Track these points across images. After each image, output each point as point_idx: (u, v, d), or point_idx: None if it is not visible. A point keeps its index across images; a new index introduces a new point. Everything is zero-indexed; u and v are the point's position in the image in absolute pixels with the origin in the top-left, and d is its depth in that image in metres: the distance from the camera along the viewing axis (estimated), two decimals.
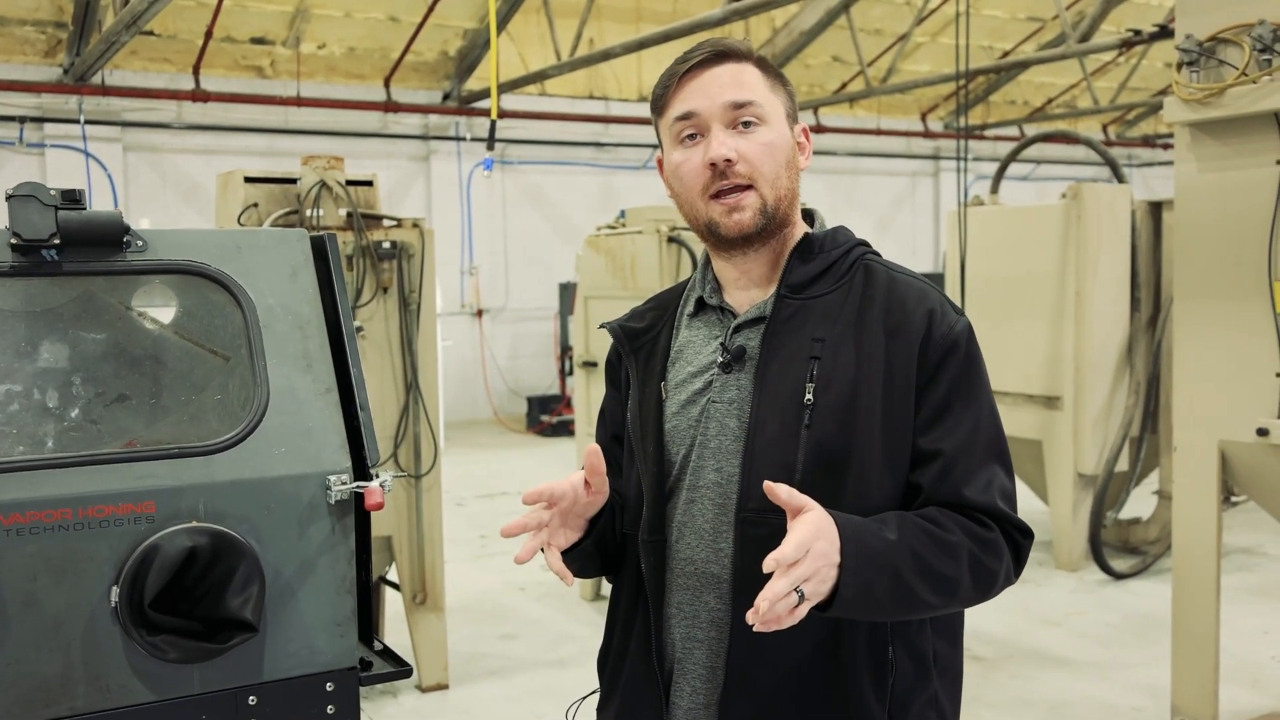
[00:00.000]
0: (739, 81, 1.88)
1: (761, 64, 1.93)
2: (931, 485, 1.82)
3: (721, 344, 1.94)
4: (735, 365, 1.91)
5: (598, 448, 1.87)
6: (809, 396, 1.82)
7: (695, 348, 1.99)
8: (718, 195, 1.87)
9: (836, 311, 1.88)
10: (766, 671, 1.83)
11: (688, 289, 2.09)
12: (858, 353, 1.84)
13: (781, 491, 1.66)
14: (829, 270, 1.93)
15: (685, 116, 1.89)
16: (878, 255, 2.00)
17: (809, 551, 1.60)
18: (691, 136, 1.90)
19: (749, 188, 1.87)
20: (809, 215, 2.05)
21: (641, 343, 2.05)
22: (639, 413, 1.99)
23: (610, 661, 2.05)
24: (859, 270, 1.93)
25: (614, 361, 2.14)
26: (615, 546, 2.03)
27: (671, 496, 1.95)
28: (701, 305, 2.02)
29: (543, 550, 1.88)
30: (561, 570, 1.84)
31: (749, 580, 1.78)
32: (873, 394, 1.82)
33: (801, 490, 1.69)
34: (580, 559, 1.96)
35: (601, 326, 2.15)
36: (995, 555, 1.79)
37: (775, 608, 1.56)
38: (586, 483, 1.88)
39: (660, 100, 1.95)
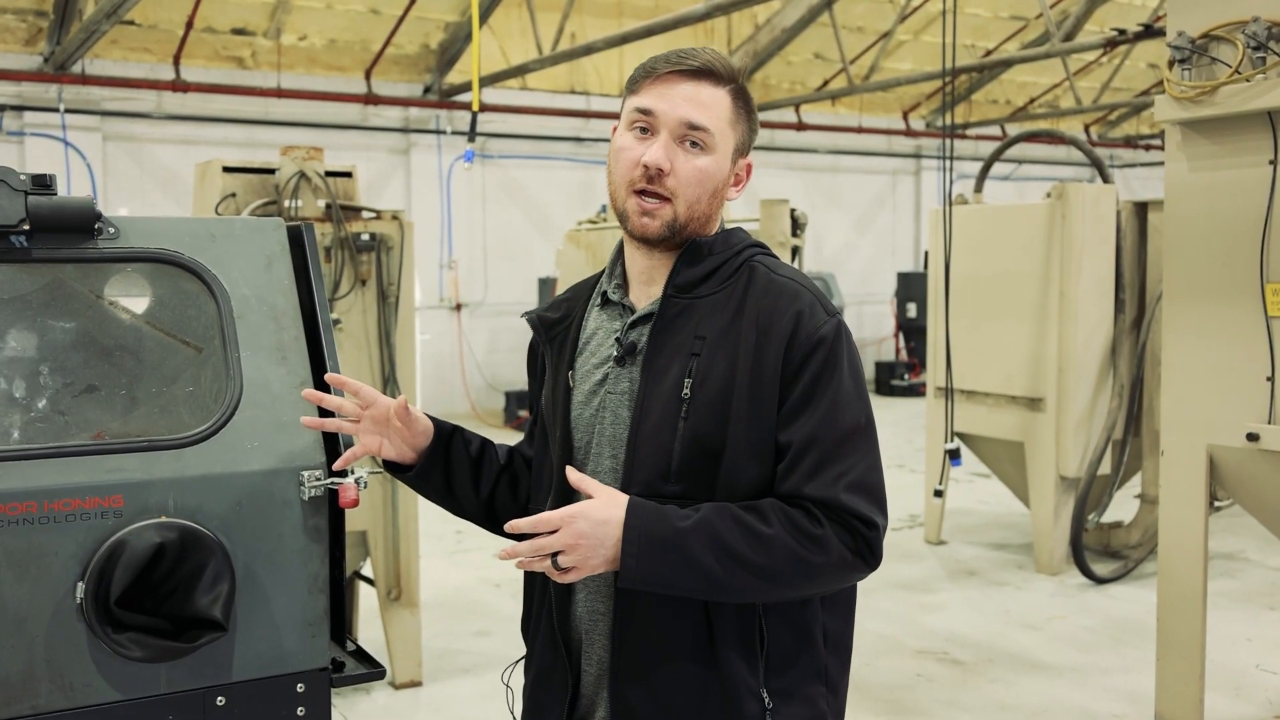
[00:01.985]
0: (705, 105, 1.99)
1: (738, 94, 2.05)
2: (781, 476, 1.94)
3: (617, 339, 2.08)
4: (628, 359, 2.05)
5: (403, 400, 2.15)
6: (686, 391, 1.96)
7: (599, 340, 2.13)
8: (640, 193, 1.99)
9: (719, 310, 2.01)
10: (648, 640, 1.98)
11: (600, 281, 2.21)
12: (732, 350, 1.96)
13: (572, 476, 1.93)
14: (717, 271, 2.04)
15: (645, 111, 2.00)
16: (771, 257, 2.11)
17: (563, 528, 1.84)
18: (644, 130, 2.01)
19: (668, 200, 1.98)
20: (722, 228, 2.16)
21: (555, 332, 2.18)
22: (550, 399, 2.13)
23: (530, 628, 2.22)
24: (745, 271, 2.05)
25: (532, 349, 2.29)
26: (477, 495, 2.26)
27: None
28: (607, 299, 2.15)
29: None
30: (351, 457, 2.16)
31: None
32: (743, 389, 1.94)
33: (677, 477, 1.94)
34: (416, 483, 2.23)
35: (523, 316, 2.29)
36: (819, 549, 1.89)
37: (527, 563, 1.87)
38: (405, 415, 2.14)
39: (636, 83, 2.05)
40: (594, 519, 1.86)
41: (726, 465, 1.93)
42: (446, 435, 2.23)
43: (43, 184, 2.22)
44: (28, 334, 2.21)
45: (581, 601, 2.08)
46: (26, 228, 2.19)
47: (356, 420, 2.15)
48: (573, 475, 1.93)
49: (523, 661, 2.29)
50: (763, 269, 2.05)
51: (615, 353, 2.07)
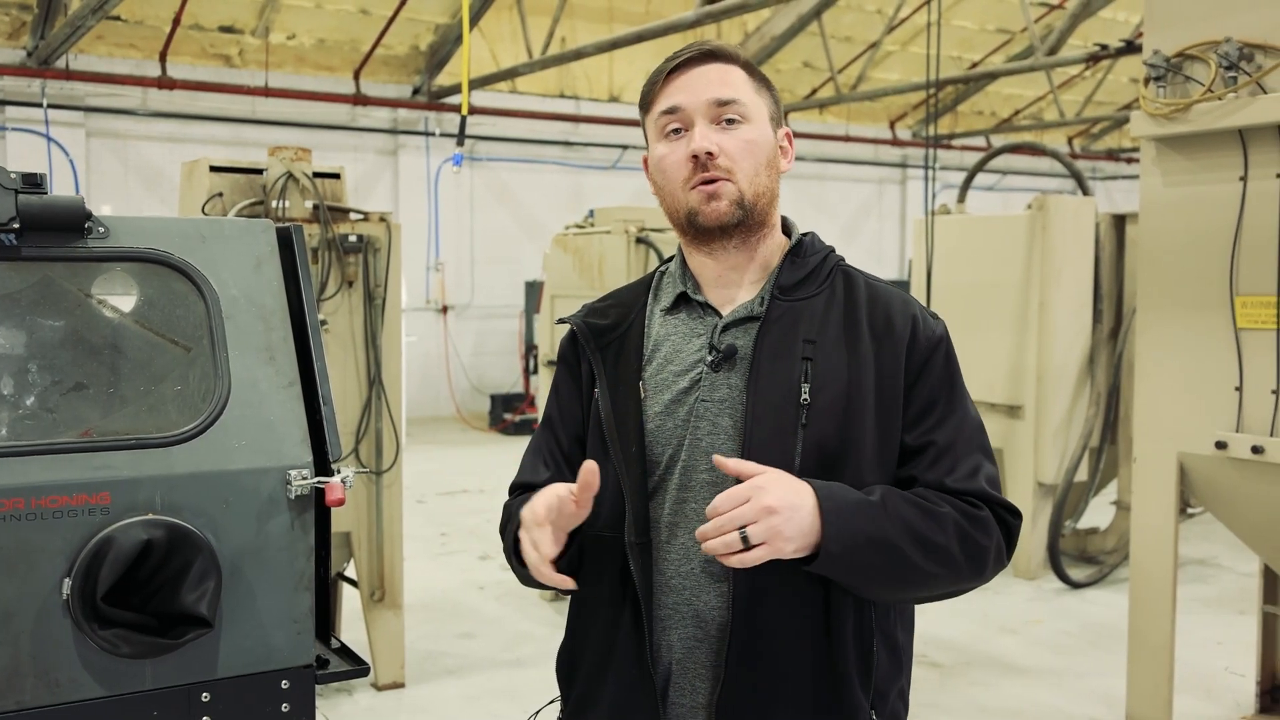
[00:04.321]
0: (724, 81, 1.93)
1: (748, 67, 1.98)
2: (921, 475, 1.89)
3: (709, 343, 1.95)
4: (725, 364, 1.93)
5: (594, 465, 1.79)
6: (805, 396, 1.86)
7: (675, 345, 1.99)
8: (698, 186, 1.91)
9: (823, 314, 1.94)
10: (764, 667, 1.86)
11: (656, 285, 2.09)
12: (849, 355, 1.90)
13: (730, 463, 1.76)
14: (811, 275, 1.98)
15: (671, 110, 1.94)
16: (845, 262, 2.06)
17: (753, 498, 1.69)
18: (676, 131, 1.94)
19: (728, 179, 1.90)
20: (784, 222, 2.08)
21: (608, 340, 2.03)
22: (614, 413, 1.97)
23: (586, 667, 2.01)
24: (837, 275, 2.00)
25: (572, 359, 2.10)
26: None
27: (655, 496, 1.94)
28: (679, 301, 2.02)
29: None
30: (562, 580, 1.83)
31: (748, 576, 1.82)
32: (865, 394, 1.88)
33: None
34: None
35: (561, 321, 2.13)
36: (985, 531, 1.86)
37: (715, 545, 1.70)
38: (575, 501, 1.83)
39: (648, 96, 1.99)
40: (785, 488, 1.73)
41: (850, 471, 1.86)
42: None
43: (33, 182, 2.25)
44: (16, 332, 2.24)
45: (674, 629, 1.92)
46: (16, 226, 2.21)
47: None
48: (729, 462, 1.76)
49: (555, 704, 2.12)
50: (858, 275, 2.02)
51: (709, 357, 1.94)
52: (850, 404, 1.87)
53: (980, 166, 8.36)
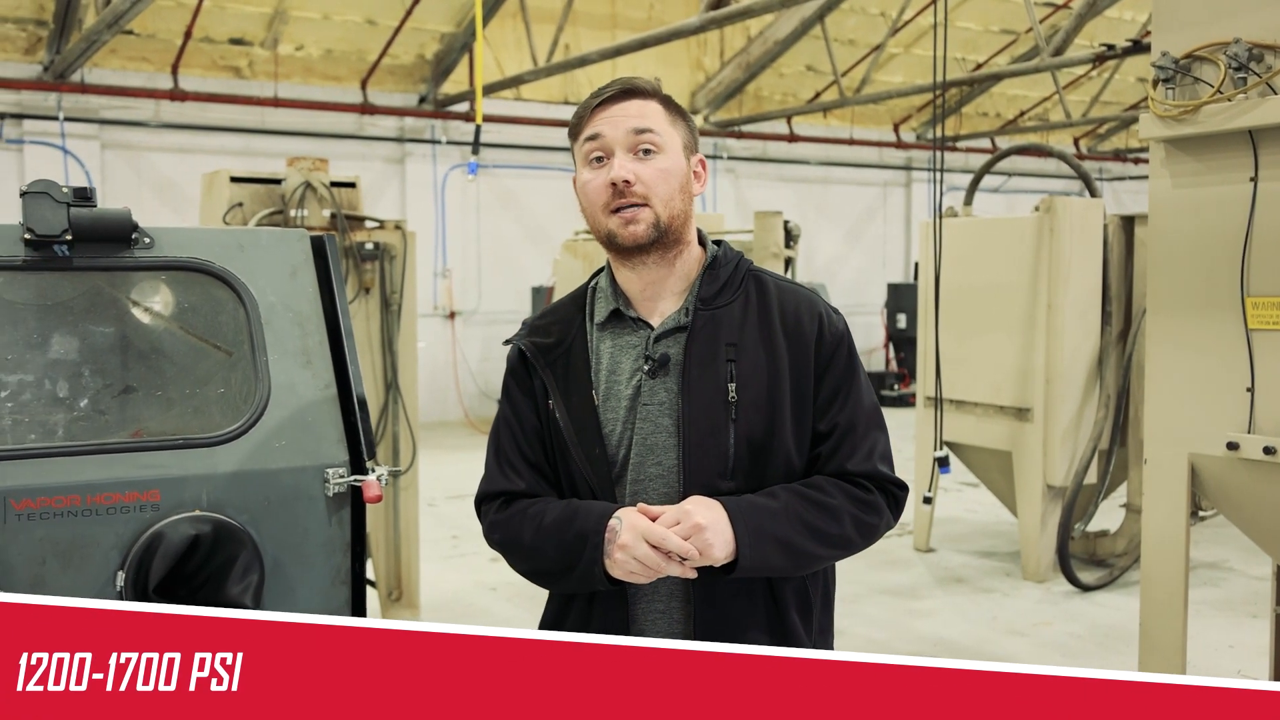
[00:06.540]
0: (642, 114, 2.17)
1: (665, 102, 2.22)
2: (826, 457, 2.20)
3: (645, 353, 2.20)
4: (660, 371, 2.18)
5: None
6: (733, 395, 2.14)
7: (615, 357, 2.23)
8: (617, 210, 2.14)
9: (740, 319, 2.21)
10: (727, 625, 2.15)
11: (589, 301, 2.30)
12: (767, 354, 2.18)
13: (654, 510, 2.06)
14: (727, 284, 2.24)
15: (593, 138, 2.17)
16: (755, 266, 2.32)
17: (681, 523, 2.01)
18: (599, 158, 2.17)
19: (644, 205, 2.14)
20: (699, 235, 2.31)
21: (554, 356, 2.25)
22: (571, 420, 2.20)
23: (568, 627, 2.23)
24: (749, 281, 2.26)
25: (522, 373, 2.29)
26: None
27: (615, 487, 2.19)
28: (612, 317, 2.25)
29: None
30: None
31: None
32: (783, 387, 2.17)
33: (732, 474, 2.13)
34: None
35: (506, 343, 2.34)
36: (875, 512, 2.19)
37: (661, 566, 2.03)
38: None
39: (575, 126, 2.22)
40: (704, 507, 2.04)
41: (775, 457, 2.15)
42: None
43: (83, 196, 2.34)
44: (70, 338, 2.32)
45: (636, 603, 2.19)
46: (69, 238, 2.30)
47: None
48: (652, 509, 2.07)
49: None
50: (768, 279, 2.28)
51: (646, 366, 2.19)
52: (772, 397, 2.16)
53: (987, 169, 8.40)
